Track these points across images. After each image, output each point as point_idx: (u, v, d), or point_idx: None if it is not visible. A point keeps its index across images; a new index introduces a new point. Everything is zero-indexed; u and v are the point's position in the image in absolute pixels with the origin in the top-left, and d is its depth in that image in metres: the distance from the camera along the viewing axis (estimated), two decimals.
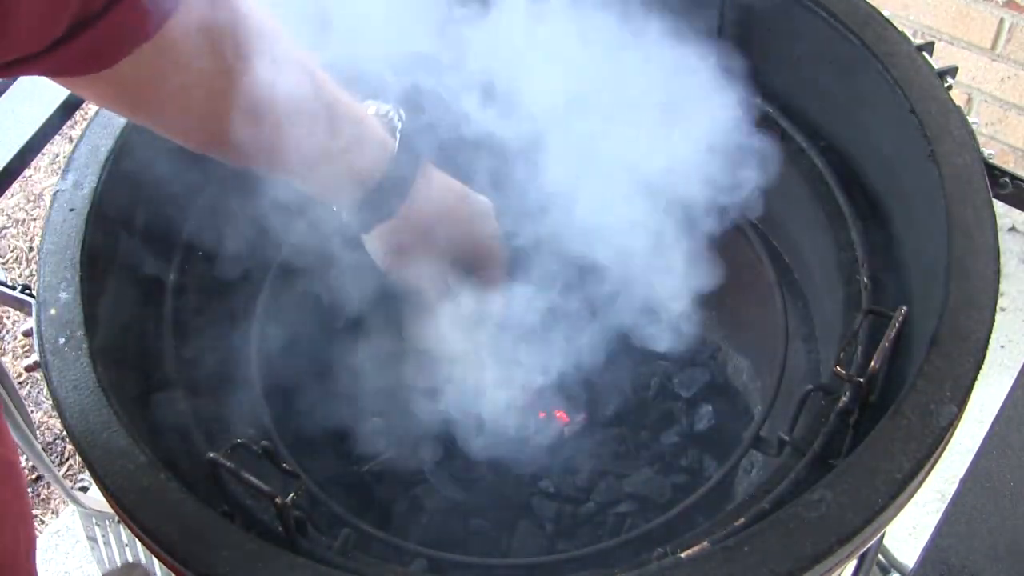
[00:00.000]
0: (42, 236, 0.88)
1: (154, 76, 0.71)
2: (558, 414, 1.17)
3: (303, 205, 0.95)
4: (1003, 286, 0.76)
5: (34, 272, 1.02)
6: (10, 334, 2.11)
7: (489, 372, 1.03)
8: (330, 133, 0.80)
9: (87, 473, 0.89)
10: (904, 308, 0.76)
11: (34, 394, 2.07)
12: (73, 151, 0.94)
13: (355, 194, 0.85)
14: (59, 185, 0.91)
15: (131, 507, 0.71)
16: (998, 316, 0.74)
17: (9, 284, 0.91)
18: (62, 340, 0.81)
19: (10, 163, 1.03)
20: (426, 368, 1.12)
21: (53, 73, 0.69)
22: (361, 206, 0.86)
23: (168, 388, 0.91)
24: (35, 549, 0.74)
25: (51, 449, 2.01)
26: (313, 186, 0.86)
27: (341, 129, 0.81)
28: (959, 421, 0.72)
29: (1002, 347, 1.92)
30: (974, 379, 0.72)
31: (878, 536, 0.72)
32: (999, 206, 0.85)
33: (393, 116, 0.87)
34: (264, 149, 0.78)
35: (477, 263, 0.95)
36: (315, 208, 0.96)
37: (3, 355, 2.06)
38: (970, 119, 0.88)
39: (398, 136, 0.86)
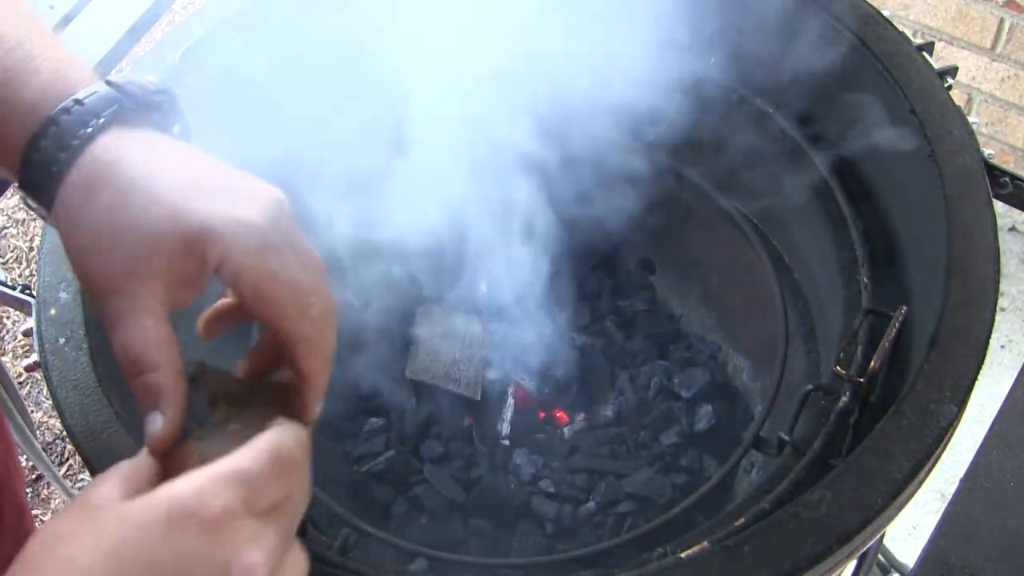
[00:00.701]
0: (42, 236, 0.88)
1: None
2: (558, 413, 1.17)
3: (302, 206, 0.95)
4: (1003, 286, 0.76)
5: (34, 272, 1.02)
6: (10, 334, 2.11)
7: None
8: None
9: (87, 473, 0.89)
10: (904, 308, 0.76)
11: (34, 394, 2.07)
12: None
13: (17, 146, 0.58)
14: None
15: None
16: (998, 316, 0.74)
17: (9, 284, 0.91)
18: (62, 340, 0.81)
19: None
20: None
21: None
22: (22, 168, 0.59)
23: None
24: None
25: (51, 449, 2.01)
26: None
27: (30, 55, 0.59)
28: (959, 421, 0.72)
29: (1002, 347, 1.92)
30: (974, 379, 0.72)
31: (878, 536, 0.72)
32: (999, 206, 0.85)
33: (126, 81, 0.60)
34: None
35: (236, 287, 0.57)
36: (315, 209, 0.96)
37: (3, 355, 2.06)
38: (970, 119, 0.88)
39: (101, 86, 0.59)
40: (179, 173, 0.58)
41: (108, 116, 0.59)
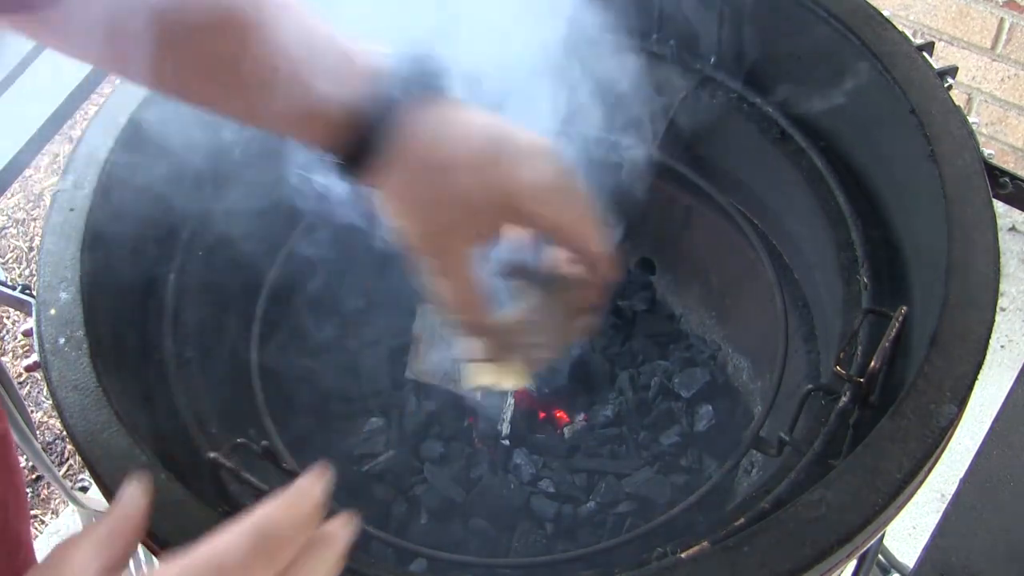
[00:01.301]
0: (42, 236, 0.88)
1: None
2: (558, 413, 1.17)
3: (305, 205, 0.95)
4: (1003, 286, 0.76)
5: (34, 272, 1.02)
6: (10, 334, 2.11)
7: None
8: (296, 46, 0.66)
9: (87, 473, 0.89)
10: (904, 308, 0.76)
11: (34, 394, 2.07)
12: (73, 151, 0.94)
13: (331, 139, 0.69)
14: (59, 185, 0.91)
15: None
16: (998, 316, 0.74)
17: (9, 284, 0.91)
18: (62, 340, 0.81)
19: (10, 163, 1.03)
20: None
21: None
22: (336, 146, 0.69)
23: (168, 388, 0.91)
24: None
25: (51, 449, 2.01)
26: (272, 118, 0.70)
27: (308, 42, 0.67)
28: (959, 421, 0.72)
29: (1002, 347, 1.92)
30: (974, 379, 0.72)
31: (878, 536, 0.72)
32: (999, 206, 0.85)
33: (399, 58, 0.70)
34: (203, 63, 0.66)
35: (541, 230, 0.72)
36: (314, 209, 0.96)
37: (3, 355, 2.06)
38: (970, 119, 0.88)
39: (393, 74, 0.68)
40: (480, 146, 0.69)
41: (415, 95, 0.69)
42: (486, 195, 0.69)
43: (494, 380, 0.82)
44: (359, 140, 0.68)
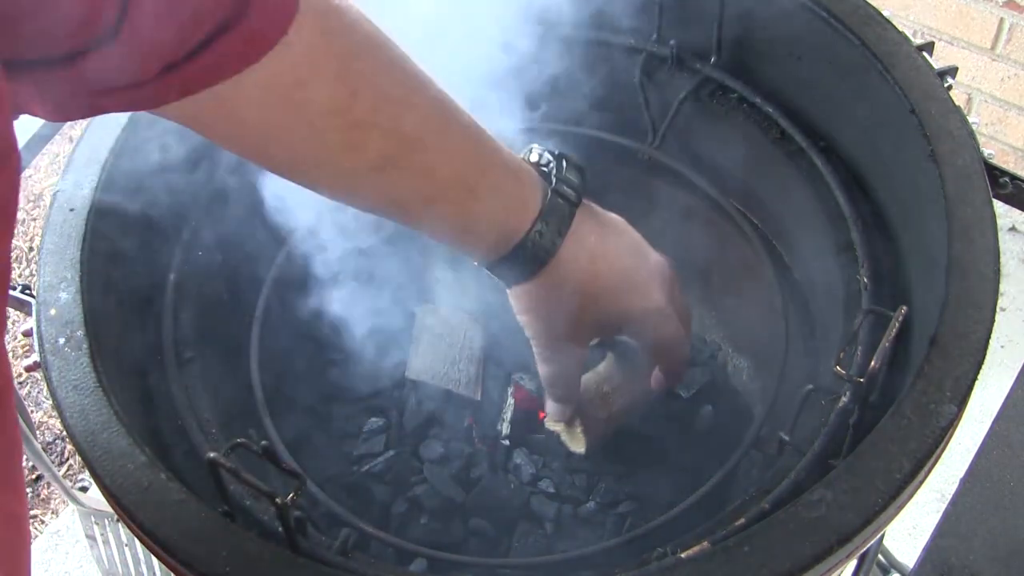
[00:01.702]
0: (42, 236, 0.88)
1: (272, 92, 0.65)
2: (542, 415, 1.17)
3: (305, 205, 0.95)
4: (1003, 286, 0.76)
5: (34, 272, 1.02)
6: (10, 334, 2.11)
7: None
8: (473, 174, 0.74)
9: (87, 473, 0.89)
10: (904, 308, 0.76)
11: (34, 394, 2.07)
12: (73, 151, 0.94)
13: (486, 252, 0.78)
14: (59, 185, 0.91)
15: (131, 507, 0.71)
16: (998, 316, 0.74)
17: (9, 284, 0.91)
18: (62, 340, 0.81)
19: None
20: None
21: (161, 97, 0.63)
22: (490, 264, 0.79)
23: (168, 388, 0.91)
24: None
25: (51, 449, 2.01)
26: (439, 233, 0.79)
27: (483, 171, 0.74)
28: (959, 421, 0.72)
29: (1002, 347, 1.93)
30: (974, 379, 0.72)
31: (878, 536, 0.72)
32: (999, 206, 0.85)
33: (550, 164, 0.79)
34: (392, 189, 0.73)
35: (640, 341, 0.89)
36: (316, 209, 0.96)
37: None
38: (970, 119, 0.88)
39: (548, 193, 0.77)
40: (610, 282, 0.81)
41: (566, 219, 0.78)
42: (606, 320, 0.84)
43: (564, 437, 1.00)
44: (506, 268, 0.79)
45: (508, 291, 0.82)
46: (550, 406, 0.95)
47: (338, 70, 0.67)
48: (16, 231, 2.35)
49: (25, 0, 0.50)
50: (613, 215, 0.85)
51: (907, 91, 0.89)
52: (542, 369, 0.88)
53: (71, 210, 0.89)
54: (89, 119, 0.95)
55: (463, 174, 0.74)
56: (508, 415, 1.11)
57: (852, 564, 1.11)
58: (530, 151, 0.81)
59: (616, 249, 0.81)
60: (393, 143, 0.71)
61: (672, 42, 1.10)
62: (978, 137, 0.86)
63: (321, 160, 0.71)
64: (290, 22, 0.63)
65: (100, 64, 0.56)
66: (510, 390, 1.12)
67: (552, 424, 0.98)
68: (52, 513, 1.91)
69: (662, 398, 1.03)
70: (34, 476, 1.94)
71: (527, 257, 0.77)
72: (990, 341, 0.74)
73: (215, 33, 0.60)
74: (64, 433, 0.95)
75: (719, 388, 1.18)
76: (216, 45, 0.60)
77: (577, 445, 1.00)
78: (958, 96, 1.69)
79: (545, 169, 0.79)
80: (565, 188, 0.78)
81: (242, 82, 0.63)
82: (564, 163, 0.79)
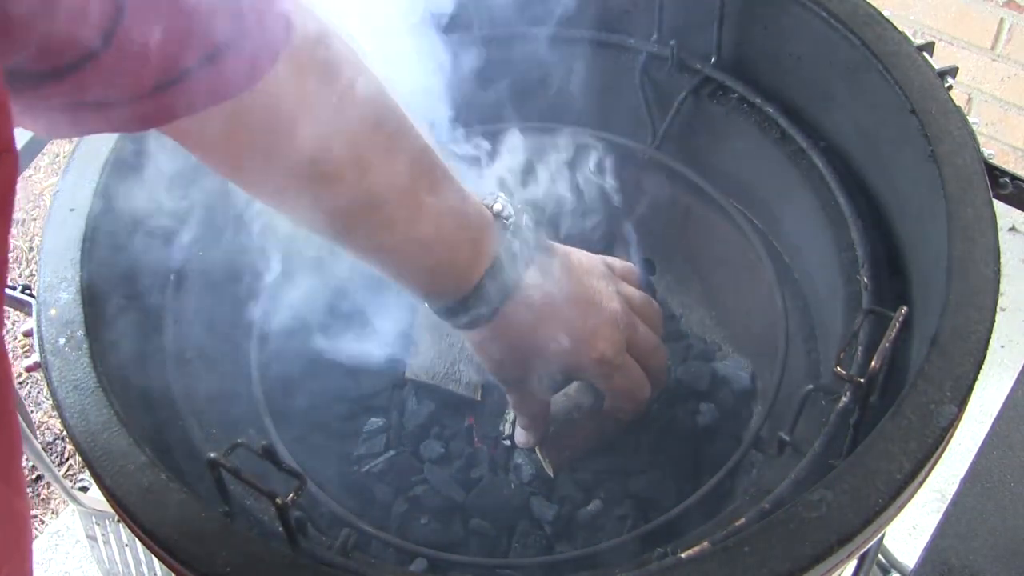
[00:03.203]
0: (42, 236, 0.88)
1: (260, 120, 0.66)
2: None
3: None
4: (1003, 286, 0.76)
5: (34, 272, 1.02)
6: (10, 334, 2.11)
7: None
8: (430, 230, 0.75)
9: (87, 473, 0.89)
10: (904, 308, 0.76)
11: (34, 394, 2.07)
12: (73, 151, 0.94)
13: (435, 300, 0.81)
14: (59, 185, 0.91)
15: (131, 507, 0.71)
16: (998, 316, 0.74)
17: (9, 284, 0.91)
18: (62, 340, 0.81)
19: None
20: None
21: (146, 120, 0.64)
22: (437, 311, 0.82)
23: (168, 388, 0.91)
24: None
25: (51, 449, 2.01)
26: (387, 274, 0.81)
27: (440, 225, 0.76)
28: (959, 421, 0.72)
29: (1002, 347, 1.93)
30: (974, 379, 0.72)
31: (878, 536, 0.72)
32: (999, 206, 0.85)
33: (510, 218, 0.81)
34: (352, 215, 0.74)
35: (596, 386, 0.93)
36: None
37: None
38: (970, 119, 0.88)
39: (499, 253, 0.79)
40: (550, 329, 0.83)
41: (511, 276, 0.80)
42: (556, 370, 0.87)
43: (539, 455, 1.04)
44: (455, 314, 0.80)
45: (468, 338, 0.86)
46: (518, 432, 1.00)
47: (313, 121, 0.67)
48: (16, 231, 2.35)
49: (27, 4, 0.50)
50: (577, 259, 0.88)
51: (907, 91, 0.89)
52: (509, 399, 0.94)
53: (71, 210, 0.89)
54: None
55: (421, 231, 0.75)
56: (511, 415, 1.11)
57: (852, 564, 1.11)
58: (496, 199, 0.82)
59: (563, 304, 0.83)
60: (356, 200, 0.72)
61: (672, 42, 1.10)
62: (978, 137, 0.86)
63: (281, 199, 0.74)
64: (271, 64, 0.63)
65: (89, 79, 0.56)
66: None
67: (522, 446, 1.03)
68: (52, 513, 1.91)
69: (631, 427, 1.05)
70: (34, 476, 1.94)
71: (470, 310, 0.80)
72: (990, 341, 0.74)
73: (202, 61, 0.60)
74: (64, 433, 0.95)
75: (719, 388, 1.18)
76: (200, 73, 0.60)
77: (547, 467, 1.04)
78: (958, 96, 1.69)
79: (506, 222, 0.81)
80: (517, 245, 0.80)
81: (210, 117, 0.64)
82: (524, 217, 0.82)
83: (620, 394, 0.93)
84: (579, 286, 0.85)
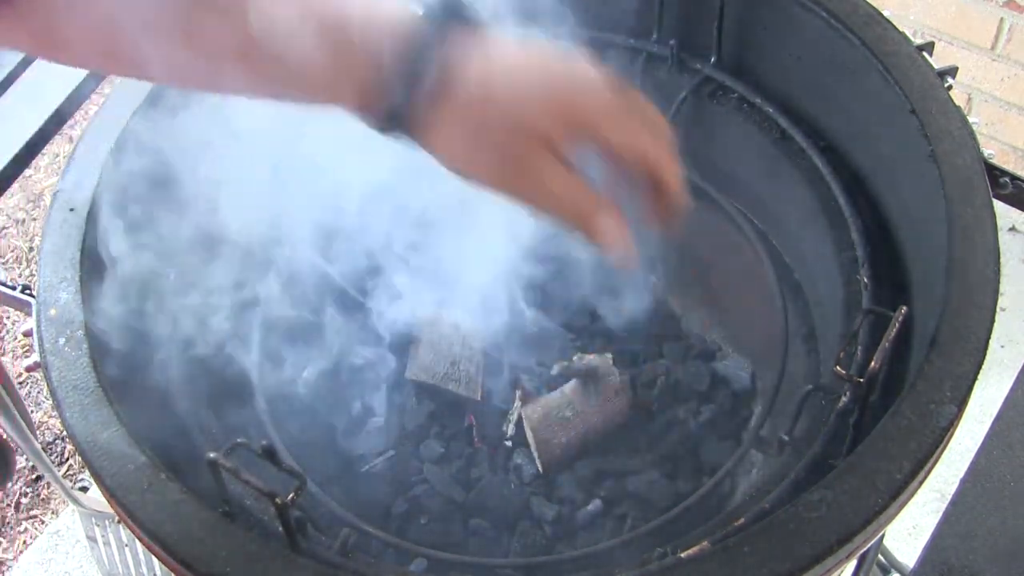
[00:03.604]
0: (42, 236, 0.88)
1: None
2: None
3: (307, 206, 0.95)
4: (1003, 286, 0.76)
5: (34, 272, 1.02)
6: (10, 334, 2.11)
7: None
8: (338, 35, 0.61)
9: (87, 473, 0.89)
10: (904, 308, 0.76)
11: (34, 394, 2.07)
12: (73, 151, 0.94)
13: (360, 89, 0.64)
14: (59, 185, 0.91)
15: (131, 507, 0.71)
16: (998, 316, 0.74)
17: (9, 284, 0.91)
18: (62, 340, 0.81)
19: (10, 163, 1.03)
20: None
21: None
22: (374, 105, 0.64)
23: (168, 388, 0.91)
24: None
25: (51, 449, 2.01)
26: (299, 83, 0.65)
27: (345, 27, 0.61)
28: (959, 421, 0.72)
29: (1002, 347, 1.92)
30: (974, 379, 0.72)
31: (878, 536, 0.72)
32: (999, 206, 0.85)
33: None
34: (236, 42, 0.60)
35: (605, 159, 0.67)
36: (315, 209, 0.96)
37: (3, 355, 2.06)
38: (970, 119, 0.88)
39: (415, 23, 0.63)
40: (540, 75, 0.65)
41: (452, 32, 0.64)
42: (552, 118, 0.64)
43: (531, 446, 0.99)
44: (401, 95, 0.63)
45: (421, 137, 0.66)
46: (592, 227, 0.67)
47: None
48: (16, 231, 2.35)
49: None
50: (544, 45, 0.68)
51: (907, 91, 0.89)
52: (536, 212, 0.67)
53: (71, 210, 0.89)
54: (89, 119, 0.96)
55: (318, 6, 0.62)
56: (514, 416, 1.11)
57: (852, 564, 1.11)
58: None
59: (538, 47, 0.67)
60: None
61: (672, 42, 1.10)
62: (978, 137, 0.86)
63: (159, 53, 0.61)
64: None
65: None
66: (518, 392, 1.12)
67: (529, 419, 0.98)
68: (52, 513, 1.91)
69: (629, 423, 1.04)
70: (34, 476, 1.94)
71: (407, 70, 0.63)
72: (990, 341, 0.74)
73: None
74: (64, 433, 0.94)
75: (719, 388, 1.18)
76: None
77: (538, 464, 1.03)
78: (958, 96, 1.68)
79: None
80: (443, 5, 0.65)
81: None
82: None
83: (639, 158, 0.68)
84: (549, 48, 0.68)
